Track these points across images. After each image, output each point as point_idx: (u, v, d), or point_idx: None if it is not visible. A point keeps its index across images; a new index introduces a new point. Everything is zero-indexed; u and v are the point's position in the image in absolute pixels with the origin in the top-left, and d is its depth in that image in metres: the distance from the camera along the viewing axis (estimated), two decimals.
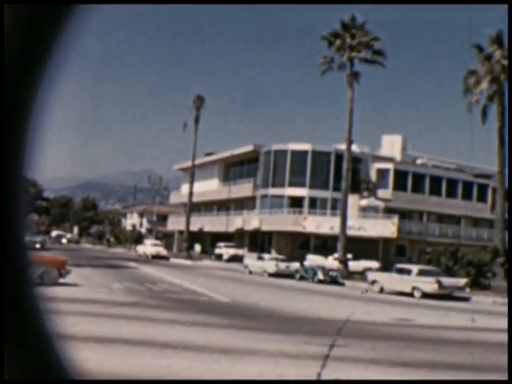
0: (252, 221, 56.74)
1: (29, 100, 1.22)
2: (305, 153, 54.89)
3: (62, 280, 20.27)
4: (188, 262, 52.66)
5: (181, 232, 67.44)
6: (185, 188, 70.30)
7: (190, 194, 61.47)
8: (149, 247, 59.93)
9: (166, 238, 77.43)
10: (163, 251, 59.14)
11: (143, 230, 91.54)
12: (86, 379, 2.07)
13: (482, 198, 60.24)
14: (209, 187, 68.43)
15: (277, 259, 41.77)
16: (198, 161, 65.00)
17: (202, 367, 9.01)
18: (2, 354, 1.16)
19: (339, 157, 49.97)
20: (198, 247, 65.99)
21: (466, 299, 29.08)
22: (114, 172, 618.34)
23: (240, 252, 55.91)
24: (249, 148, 61.24)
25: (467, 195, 59.70)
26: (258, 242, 58.12)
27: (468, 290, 30.11)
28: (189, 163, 63.38)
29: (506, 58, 35.54)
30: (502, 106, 36.14)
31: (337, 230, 43.42)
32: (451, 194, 58.91)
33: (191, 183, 61.70)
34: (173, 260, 56.12)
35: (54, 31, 1.22)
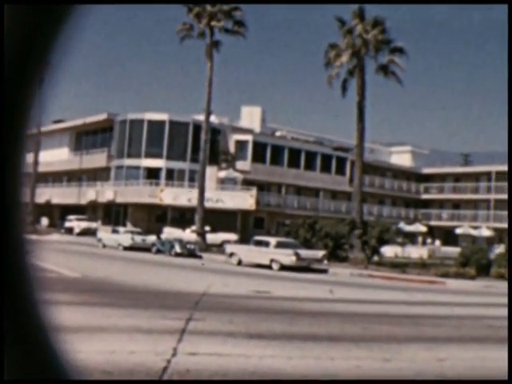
0: (106, 193, 55.34)
1: (29, 100, 1.25)
2: (162, 123, 54.16)
3: None
4: (32, 237, 50.29)
5: (25, 204, 64.24)
6: (29, 157, 66.88)
7: (35, 163, 58.66)
8: None
9: None
10: None
11: None
12: (86, 379, 2.09)
13: (340, 171, 62.68)
14: (58, 157, 65.72)
15: (132, 232, 41.13)
16: (46, 128, 62.11)
17: None
18: (2, 353, 1.17)
19: (197, 128, 49.73)
20: (44, 221, 63.35)
21: (323, 271, 30.19)
22: None
23: (93, 225, 54.33)
24: (102, 116, 59.36)
25: (326, 168, 61.81)
26: (113, 214, 56.87)
27: (326, 261, 31.25)
28: (33, 130, 60.26)
29: (367, 32, 36.85)
30: (362, 80, 37.52)
31: (195, 202, 43.45)
32: (310, 166, 60.72)
33: (36, 152, 58.86)
34: None
35: (54, 31, 1.24)
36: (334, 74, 38.30)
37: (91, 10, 1.30)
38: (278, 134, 62.08)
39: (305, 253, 30.52)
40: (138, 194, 52.17)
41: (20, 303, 1.29)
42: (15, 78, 1.22)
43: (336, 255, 35.36)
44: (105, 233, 43.95)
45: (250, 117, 61.80)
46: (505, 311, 18.43)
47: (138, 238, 39.51)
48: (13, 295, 1.27)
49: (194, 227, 43.03)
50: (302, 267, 29.32)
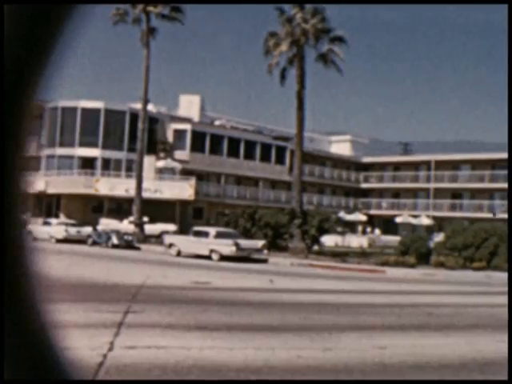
0: (36, 183, 54.07)
1: (29, 101, 1.25)
2: (97, 111, 53.18)
3: None
4: None
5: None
6: None
7: None
8: None
9: None
10: None
11: None
12: (86, 379, 2.13)
13: (280, 160, 62.97)
14: None
15: (66, 224, 40.35)
16: None
17: None
18: (2, 353, 1.18)
19: (134, 116, 49.05)
20: None
21: (264, 261, 30.34)
22: None
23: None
24: None
25: (266, 157, 61.98)
26: (44, 205, 55.63)
27: (266, 251, 31.40)
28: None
29: (307, 21, 36.98)
30: (301, 69, 37.67)
31: (132, 193, 42.95)
32: (250, 155, 60.78)
33: None
34: None
35: (54, 31, 1.24)
36: (273, 62, 38.31)
37: (92, 10, 1.32)
38: (217, 123, 61.88)
39: (244, 243, 30.60)
40: (72, 184, 51.16)
41: (19, 302, 1.28)
42: (15, 78, 1.22)
43: (276, 245, 35.58)
44: (35, 225, 42.92)
45: (189, 106, 61.37)
46: (444, 298, 18.93)
47: (73, 230, 38.79)
48: (11, 294, 1.27)
49: (131, 218, 42.55)
50: (242, 257, 29.40)
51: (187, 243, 31.44)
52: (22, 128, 1.26)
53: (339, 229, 45.37)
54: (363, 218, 62.41)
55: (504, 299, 19.03)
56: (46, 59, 1.25)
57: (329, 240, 42.90)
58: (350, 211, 63.36)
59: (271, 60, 38.32)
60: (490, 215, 59.01)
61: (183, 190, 50.26)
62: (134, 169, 46.20)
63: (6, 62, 1.20)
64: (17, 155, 1.26)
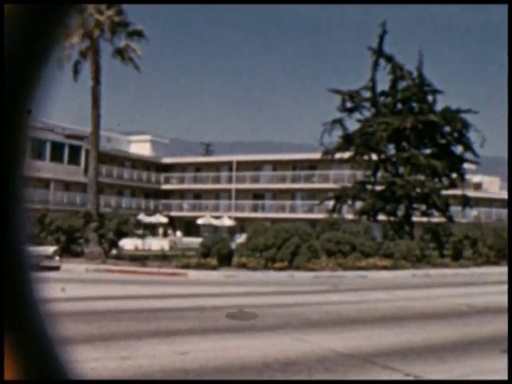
0: None
1: (28, 101, 1.25)
2: None
3: None
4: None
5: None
6: None
7: None
8: None
9: None
10: None
11: None
12: (86, 379, 2.28)
13: (74, 160, 61.05)
14: None
15: None
16: None
17: None
18: (1, 354, 1.19)
19: None
20: None
21: (55, 268, 29.00)
22: None
23: None
24: None
25: (57, 157, 59.73)
26: None
27: (58, 258, 30.12)
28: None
29: (102, 12, 35.93)
30: (96, 64, 36.56)
31: None
32: (39, 155, 58.20)
33: None
34: None
35: (55, 31, 1.26)
36: (64, 55, 36.75)
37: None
38: None
39: (34, 249, 29.05)
40: None
41: (19, 301, 1.28)
42: (15, 78, 1.23)
43: (70, 250, 34.30)
44: None
45: None
46: (245, 300, 19.26)
47: None
48: (11, 294, 1.26)
49: None
50: None
51: None
52: (21, 129, 1.24)
53: (139, 232, 44.89)
54: (164, 219, 62.44)
55: (306, 298, 19.82)
56: (46, 59, 1.25)
57: (128, 243, 42.28)
58: (150, 213, 63.10)
59: (61, 52, 36.78)
60: (292, 215, 61.76)
61: None
62: None
63: (6, 62, 1.19)
64: (15, 159, 1.24)
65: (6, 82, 1.22)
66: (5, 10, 1.19)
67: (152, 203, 71.17)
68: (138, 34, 37.69)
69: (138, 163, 71.80)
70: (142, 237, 49.10)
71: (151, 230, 59.44)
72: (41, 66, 1.27)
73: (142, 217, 55.04)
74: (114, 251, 36.00)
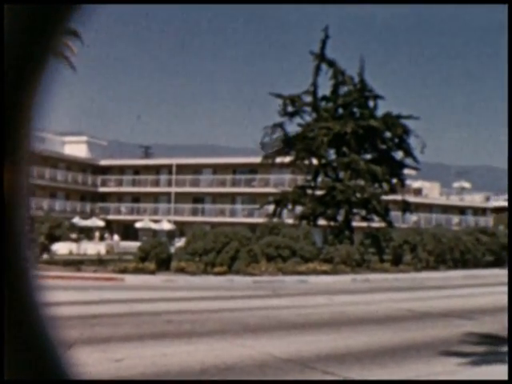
0: None
1: (29, 101, 1.24)
2: None
3: None
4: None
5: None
6: None
7: None
8: None
9: None
10: None
11: None
12: (86, 379, 2.38)
13: None
14: None
15: None
16: None
17: None
18: (1, 353, 1.17)
19: None
20: None
21: None
22: None
23: None
24: None
25: None
26: None
27: None
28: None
29: None
30: None
31: None
32: None
33: None
34: None
35: (55, 31, 1.25)
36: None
37: (93, 10, 1.32)
38: None
39: None
40: None
41: (19, 302, 1.23)
42: (15, 78, 1.21)
43: None
44: None
45: None
46: (184, 305, 19.08)
47: None
48: (12, 294, 1.22)
49: None
50: None
51: None
52: (21, 129, 1.22)
53: (73, 235, 44.09)
54: (101, 223, 61.52)
55: (245, 303, 19.75)
56: (46, 59, 1.24)
57: (62, 248, 41.48)
58: (86, 216, 62.11)
59: None
60: (232, 219, 61.66)
61: None
62: None
63: (6, 62, 1.19)
64: (15, 160, 1.21)
65: (7, 83, 1.21)
66: (5, 10, 1.20)
67: (88, 206, 70.09)
68: (73, 33, 37.10)
69: (74, 165, 70.57)
70: (77, 241, 48.26)
71: (87, 233, 58.48)
72: (42, 66, 1.26)
73: (77, 220, 54.09)
74: (46, 256, 35.23)
